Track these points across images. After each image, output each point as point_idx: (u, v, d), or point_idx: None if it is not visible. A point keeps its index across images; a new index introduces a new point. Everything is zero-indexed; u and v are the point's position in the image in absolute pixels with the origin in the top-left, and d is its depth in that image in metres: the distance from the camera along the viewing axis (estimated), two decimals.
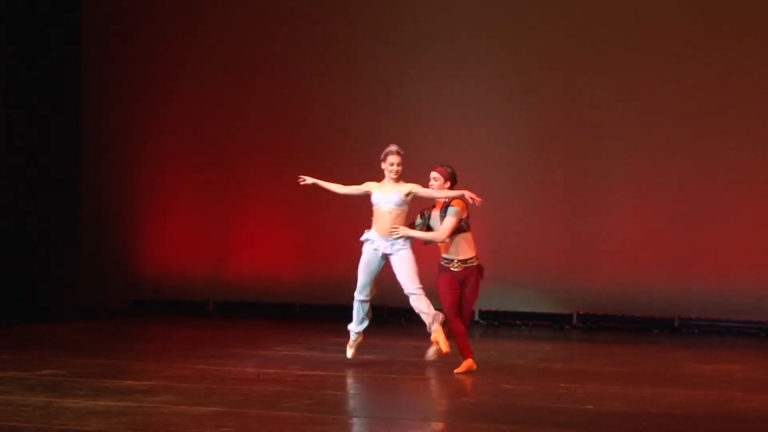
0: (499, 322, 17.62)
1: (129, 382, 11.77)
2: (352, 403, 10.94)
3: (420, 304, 12.24)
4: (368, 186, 12.54)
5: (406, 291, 12.30)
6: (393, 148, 12.42)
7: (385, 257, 12.40)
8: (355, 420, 10.09)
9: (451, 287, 12.28)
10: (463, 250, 12.30)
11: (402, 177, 12.43)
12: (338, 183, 12.78)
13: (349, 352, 12.88)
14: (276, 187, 18.42)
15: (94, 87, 18.93)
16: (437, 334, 12.18)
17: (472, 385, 12.02)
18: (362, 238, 12.53)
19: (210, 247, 18.79)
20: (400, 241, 12.29)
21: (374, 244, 12.42)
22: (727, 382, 12.09)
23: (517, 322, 17.47)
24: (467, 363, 12.35)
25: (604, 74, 17.46)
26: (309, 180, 12.84)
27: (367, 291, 12.62)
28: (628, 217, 17.31)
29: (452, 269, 12.31)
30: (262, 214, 18.58)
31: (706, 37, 17.03)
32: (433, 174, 12.39)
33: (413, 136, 16.99)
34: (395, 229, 12.27)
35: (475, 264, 12.34)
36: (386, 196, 12.33)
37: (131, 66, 19.29)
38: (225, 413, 10.19)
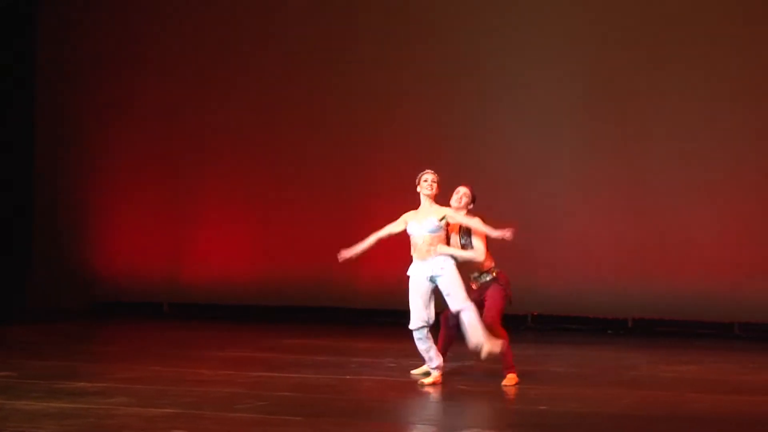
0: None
1: (82, 383, 11.74)
2: (306, 404, 10.93)
3: (474, 319, 11.69)
4: (405, 217, 12.08)
5: (454, 308, 11.80)
6: (427, 170, 12.04)
7: (432, 280, 11.88)
8: (306, 420, 10.10)
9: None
10: (478, 265, 12.02)
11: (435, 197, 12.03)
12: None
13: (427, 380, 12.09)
14: (230, 190, 18.41)
15: (49, 88, 18.89)
16: (491, 346, 11.67)
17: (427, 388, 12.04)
18: (408, 273, 12.05)
19: (165, 249, 18.78)
20: (441, 260, 11.81)
21: (417, 271, 11.94)
22: (682, 383, 12.16)
23: None
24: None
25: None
26: (350, 253, 12.32)
27: (422, 317, 11.98)
28: (583, 218, 17.38)
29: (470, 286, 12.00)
30: (216, 217, 18.57)
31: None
32: (464, 190, 12.13)
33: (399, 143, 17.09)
34: (433, 248, 11.83)
35: (491, 278, 12.05)
36: (421, 223, 11.88)
37: (87, 68, 19.24)
38: (179, 415, 10.18)
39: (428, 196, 11.91)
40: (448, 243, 11.91)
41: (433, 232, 11.82)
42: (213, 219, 18.58)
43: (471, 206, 12.10)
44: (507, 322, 16.83)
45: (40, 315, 17.62)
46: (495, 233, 11.57)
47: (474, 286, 12.02)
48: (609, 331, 17.12)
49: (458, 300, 11.69)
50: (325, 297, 17.71)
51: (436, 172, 11.95)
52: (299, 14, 18.49)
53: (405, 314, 17.33)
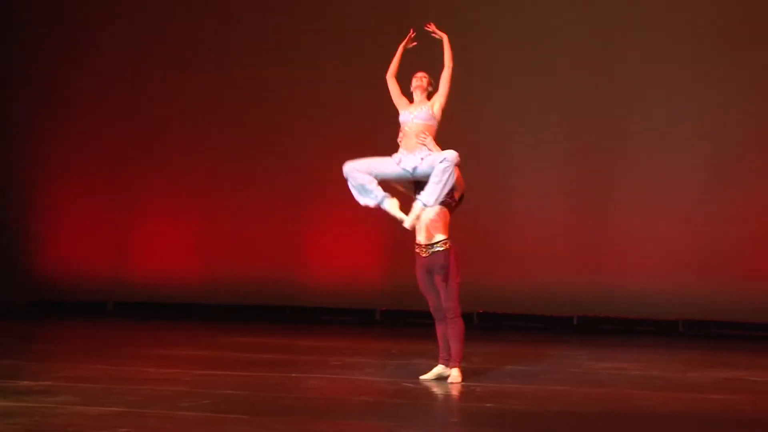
0: (402, 321, 17.68)
1: (26, 382, 11.71)
2: (250, 402, 10.94)
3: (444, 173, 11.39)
4: (400, 102, 12.08)
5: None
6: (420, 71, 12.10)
7: (414, 172, 11.59)
8: (252, 419, 10.11)
9: (420, 272, 11.80)
10: (429, 233, 11.67)
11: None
12: None
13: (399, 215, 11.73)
14: (174, 189, 18.38)
15: None
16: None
17: (370, 384, 12.08)
18: (392, 157, 11.79)
19: (109, 248, 18.74)
20: (429, 158, 11.48)
21: (401, 160, 11.71)
22: (626, 380, 12.25)
23: (416, 321, 17.50)
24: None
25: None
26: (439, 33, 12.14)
27: (363, 170, 11.72)
28: (527, 216, 17.46)
29: (421, 254, 11.73)
30: (160, 216, 18.54)
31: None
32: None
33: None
34: (422, 137, 11.65)
35: (441, 249, 11.66)
36: (413, 112, 11.82)
37: (34, 67, 19.14)
38: (124, 413, 10.18)
39: (417, 87, 12.03)
40: (447, 223, 11.66)
41: (422, 119, 11.78)
42: (157, 218, 18.56)
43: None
44: None
45: None
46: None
47: (423, 254, 11.70)
48: (554, 329, 17.21)
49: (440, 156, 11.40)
50: (271, 295, 17.72)
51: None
52: (249, 12, 18.43)
53: (351, 313, 17.47)
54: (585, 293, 16.64)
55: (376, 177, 11.73)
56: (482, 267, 17.26)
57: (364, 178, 11.72)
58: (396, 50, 12.21)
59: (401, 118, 11.92)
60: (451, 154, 11.34)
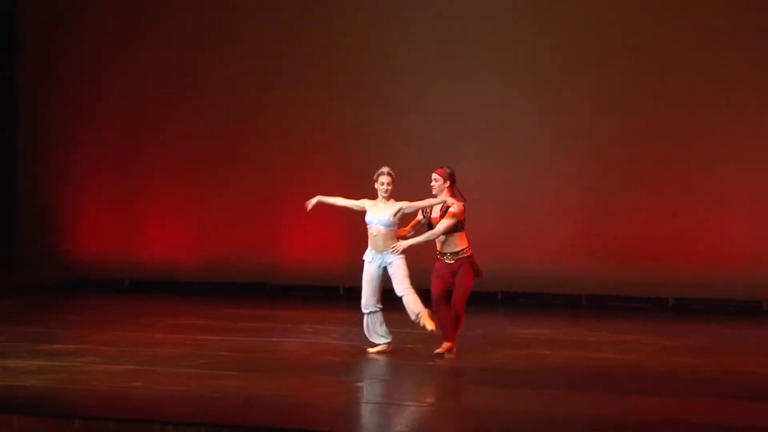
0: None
1: (58, 346, 11.72)
2: (239, 362, 10.98)
3: (409, 301, 11.11)
4: (363, 203, 11.33)
5: (398, 293, 11.21)
6: (384, 169, 11.26)
7: (383, 269, 11.22)
8: (241, 374, 10.16)
9: (439, 276, 11.17)
10: (455, 245, 11.13)
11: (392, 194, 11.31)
12: (337, 197, 11.63)
13: (372, 350, 11.52)
14: (177, 183, 18.18)
15: (30, 92, 18.60)
16: (423, 318, 11.09)
17: (335, 347, 12.14)
18: (364, 257, 11.35)
19: (125, 234, 18.55)
20: (393, 257, 11.15)
21: (371, 260, 11.25)
22: (538, 342, 12.35)
23: (386, 296, 17.30)
24: (446, 345, 11.32)
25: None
26: (314, 201, 11.51)
27: (373, 301, 11.37)
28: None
29: (446, 261, 11.16)
30: (166, 207, 18.36)
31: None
32: (434, 176, 11.17)
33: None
34: (394, 247, 11.09)
35: (466, 255, 11.16)
36: (377, 216, 11.15)
37: (65, 76, 18.70)
38: (137, 371, 10.22)
39: (385, 189, 11.23)
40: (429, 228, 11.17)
41: (388, 226, 11.13)
42: (164, 210, 18.41)
43: (447, 184, 11.19)
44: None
45: (22, 291, 17.43)
46: (448, 201, 10.98)
47: (449, 261, 11.13)
48: (485, 302, 17.12)
49: (402, 286, 11.10)
50: (254, 274, 17.63)
51: (389, 168, 11.32)
52: (243, 17, 17.99)
53: (320, 289, 17.43)
54: (507, 272, 16.50)
55: (374, 292, 11.33)
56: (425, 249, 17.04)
57: (377, 318, 11.47)
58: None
59: (367, 220, 11.27)
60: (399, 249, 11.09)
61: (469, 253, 11.19)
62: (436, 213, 11.21)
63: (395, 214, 11.12)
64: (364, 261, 11.37)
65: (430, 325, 11.02)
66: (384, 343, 11.43)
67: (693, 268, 15.91)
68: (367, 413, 8.90)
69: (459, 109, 16.88)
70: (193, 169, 18.11)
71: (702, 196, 15.97)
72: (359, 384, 10.09)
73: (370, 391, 9.77)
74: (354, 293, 17.32)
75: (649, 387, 9.88)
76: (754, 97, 15.82)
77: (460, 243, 11.15)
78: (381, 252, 11.18)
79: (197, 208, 18.14)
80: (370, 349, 11.49)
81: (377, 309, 11.40)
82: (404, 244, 11.10)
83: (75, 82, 18.53)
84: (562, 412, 8.86)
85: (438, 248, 11.24)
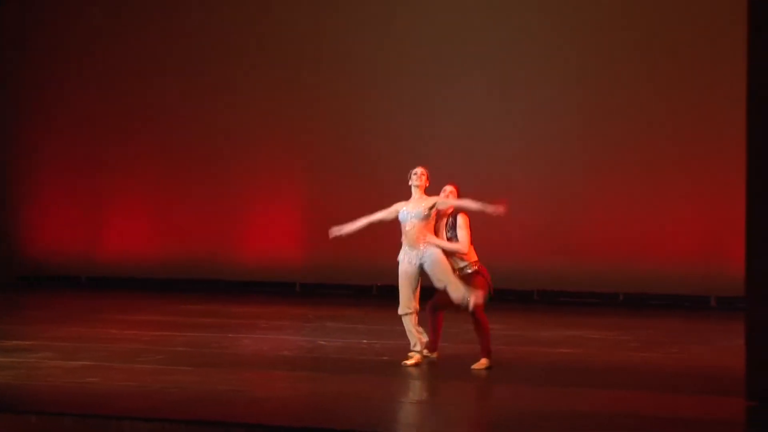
0: (317, 292, 17.51)
1: (14, 342, 11.66)
2: (195, 357, 10.95)
3: (451, 290, 10.40)
4: (395, 206, 10.70)
5: (438, 286, 10.52)
6: (418, 168, 10.72)
7: (419, 267, 10.52)
8: (196, 370, 10.14)
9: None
10: (459, 259, 10.52)
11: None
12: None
13: (410, 361, 10.62)
14: (132, 181, 18.10)
15: None
16: (471, 297, 10.39)
17: (290, 342, 12.14)
18: (398, 258, 10.66)
19: (82, 232, 18.46)
20: (430, 249, 10.49)
21: (408, 259, 10.58)
22: (492, 338, 12.37)
23: (328, 291, 17.35)
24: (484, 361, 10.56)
25: None
26: (342, 231, 10.90)
27: (410, 305, 10.59)
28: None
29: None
30: (123, 205, 18.29)
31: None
32: (450, 188, 10.62)
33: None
34: (422, 236, 10.47)
35: (472, 270, 10.54)
36: (413, 210, 10.54)
37: (30, 61, 18.46)
38: (93, 366, 10.19)
39: (417, 186, 10.61)
40: (437, 235, 10.57)
41: (421, 219, 10.49)
42: (121, 207, 18.32)
43: (428, 183, 10.71)
44: (356, 291, 16.99)
45: None
46: (488, 208, 10.37)
47: (457, 273, 10.52)
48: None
49: (459, 288, 10.39)
50: (209, 271, 17.57)
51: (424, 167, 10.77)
52: (208, 17, 17.87)
53: (275, 285, 17.39)
54: None
55: (412, 292, 10.56)
56: (380, 247, 17.00)
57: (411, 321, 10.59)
58: None
59: (401, 218, 10.61)
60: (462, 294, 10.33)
61: (477, 268, 10.55)
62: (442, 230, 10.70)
63: (430, 208, 10.52)
64: (398, 262, 10.69)
65: (475, 298, 10.37)
66: (416, 351, 10.59)
67: (643, 264, 16.03)
68: (322, 407, 8.90)
69: (427, 111, 16.87)
70: (149, 167, 18.04)
71: (651, 193, 16.08)
72: (314, 378, 10.10)
73: (323, 385, 9.77)
74: (309, 289, 17.43)
75: (601, 380, 9.95)
76: (703, 98, 15.92)
77: (468, 256, 10.57)
78: (416, 247, 10.52)
79: (154, 205, 18.07)
80: (406, 362, 10.62)
81: (411, 311, 10.60)
82: (435, 239, 10.52)
83: (34, 79, 18.39)
84: (513, 406, 8.91)
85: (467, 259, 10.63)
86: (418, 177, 10.60)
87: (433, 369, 10.44)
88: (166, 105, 17.88)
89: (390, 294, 17.15)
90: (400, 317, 10.64)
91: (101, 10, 18.21)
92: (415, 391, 9.84)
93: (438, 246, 10.45)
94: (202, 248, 17.66)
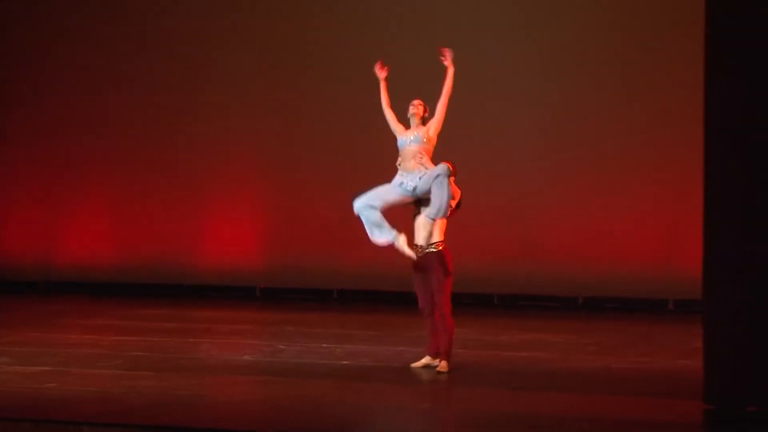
0: (277, 297, 17.48)
1: None
2: (155, 362, 10.90)
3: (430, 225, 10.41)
4: (397, 129, 10.76)
5: (429, 215, 10.41)
6: (415, 99, 10.78)
7: (413, 192, 10.45)
8: (156, 375, 10.11)
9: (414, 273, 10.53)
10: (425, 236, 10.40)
11: None
12: None
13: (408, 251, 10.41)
14: (91, 186, 18.01)
15: None
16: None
17: (251, 346, 12.13)
18: (393, 181, 10.59)
19: (39, 237, 18.36)
20: (425, 177, 10.40)
21: (402, 179, 10.52)
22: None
23: (288, 296, 17.31)
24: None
25: None
26: (383, 74, 10.91)
27: (372, 204, 10.49)
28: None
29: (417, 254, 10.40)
30: (81, 209, 18.19)
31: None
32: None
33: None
34: (421, 161, 10.49)
35: (434, 250, 10.39)
36: (409, 136, 10.59)
37: None
38: (52, 372, 10.13)
39: (414, 115, 10.69)
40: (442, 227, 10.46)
41: (418, 142, 10.54)
42: (80, 211, 18.21)
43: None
44: (317, 295, 16.92)
45: None
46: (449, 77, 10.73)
47: (417, 253, 10.36)
48: (400, 303, 17.14)
49: (433, 209, 10.35)
50: (170, 275, 17.50)
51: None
52: (167, 18, 17.76)
53: (236, 289, 17.34)
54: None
55: (383, 205, 10.52)
56: (340, 251, 17.01)
57: (375, 215, 10.50)
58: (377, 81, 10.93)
59: (399, 144, 10.67)
60: (443, 168, 10.41)
61: (440, 248, 10.40)
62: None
63: (428, 131, 10.62)
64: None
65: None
66: (426, 360, 10.51)
67: (602, 267, 16.10)
68: (283, 411, 8.89)
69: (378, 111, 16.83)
70: (108, 171, 17.95)
71: (610, 196, 16.15)
72: (274, 383, 10.07)
73: (284, 390, 9.75)
74: (269, 293, 17.38)
75: (559, 384, 9.98)
76: (660, 103, 16.00)
77: (435, 235, 10.40)
78: (412, 171, 10.50)
79: (112, 210, 17.98)
80: (414, 364, 10.60)
81: (375, 205, 10.49)
82: (430, 165, 10.46)
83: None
84: (472, 409, 8.94)
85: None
86: (415, 107, 10.71)
87: (393, 373, 10.44)
88: (125, 109, 17.80)
89: (350, 298, 17.29)
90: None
91: (58, 10, 18.10)
92: (374, 395, 9.83)
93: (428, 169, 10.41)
94: (161, 253, 17.59)
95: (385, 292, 17.01)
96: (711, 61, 8.57)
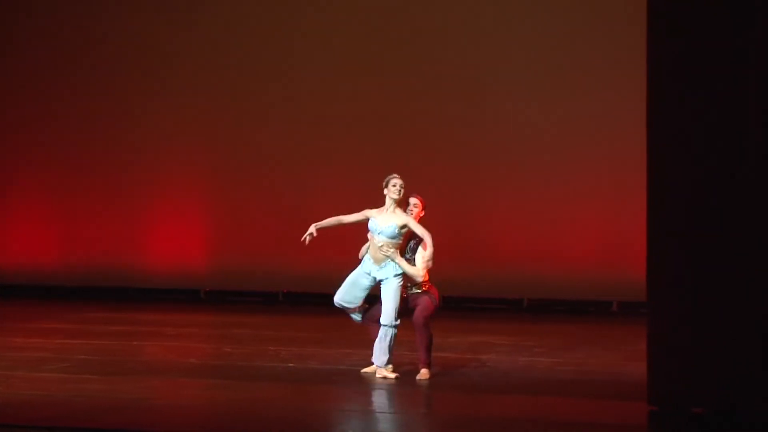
0: (222, 299, 17.42)
1: None
2: (101, 365, 10.83)
3: (385, 340, 10.29)
4: (366, 212, 10.31)
5: (382, 321, 10.26)
6: (395, 175, 10.32)
7: (377, 282, 10.30)
8: (103, 378, 10.04)
9: None
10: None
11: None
12: None
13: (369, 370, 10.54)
14: (38, 189, 17.88)
15: None
16: (382, 372, 10.34)
17: (197, 349, 12.08)
18: (360, 255, 10.44)
19: None
20: (391, 268, 10.22)
21: (366, 267, 10.32)
22: (397, 344, 12.37)
23: (233, 299, 17.23)
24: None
25: None
26: (311, 230, 10.44)
27: (346, 300, 10.52)
28: (318, 200, 17.15)
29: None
30: (28, 213, 18.04)
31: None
32: (414, 201, 10.39)
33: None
34: (388, 250, 10.16)
35: (419, 291, 10.40)
36: (382, 225, 10.18)
37: None
38: None
39: (395, 200, 10.22)
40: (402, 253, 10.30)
41: (392, 238, 10.18)
42: (27, 214, 18.05)
43: (423, 213, 10.49)
44: (264, 297, 16.90)
45: None
46: (427, 261, 10.25)
47: (404, 295, 10.32)
48: None
49: (388, 316, 10.20)
50: (115, 278, 17.40)
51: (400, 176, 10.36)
52: (112, 20, 17.62)
53: (181, 292, 17.25)
54: None
55: (359, 303, 10.43)
56: (287, 253, 16.94)
57: (351, 309, 10.51)
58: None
59: (369, 225, 10.27)
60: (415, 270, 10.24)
61: (426, 288, 10.45)
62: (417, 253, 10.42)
63: (402, 227, 10.24)
64: (359, 258, 10.48)
65: (387, 376, 10.33)
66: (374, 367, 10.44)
67: (546, 269, 16.19)
68: (230, 414, 8.86)
69: (326, 113, 16.85)
70: (52, 173, 17.82)
71: (554, 199, 16.24)
72: (221, 386, 10.04)
73: (231, 393, 9.72)
74: (214, 296, 17.31)
75: (505, 386, 10.03)
76: (604, 106, 16.11)
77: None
78: (379, 264, 10.26)
79: (57, 212, 17.85)
80: (364, 369, 10.59)
81: (349, 307, 10.54)
82: (397, 255, 10.22)
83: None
84: (415, 411, 8.96)
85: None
86: (397, 190, 10.25)
87: (340, 375, 10.43)
88: (70, 111, 17.67)
89: (296, 300, 17.28)
90: (332, 307, 10.66)
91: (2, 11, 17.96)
92: (321, 397, 9.83)
93: (399, 265, 10.19)
94: (106, 255, 17.49)
95: (331, 294, 16.89)
96: (653, 63, 8.64)
